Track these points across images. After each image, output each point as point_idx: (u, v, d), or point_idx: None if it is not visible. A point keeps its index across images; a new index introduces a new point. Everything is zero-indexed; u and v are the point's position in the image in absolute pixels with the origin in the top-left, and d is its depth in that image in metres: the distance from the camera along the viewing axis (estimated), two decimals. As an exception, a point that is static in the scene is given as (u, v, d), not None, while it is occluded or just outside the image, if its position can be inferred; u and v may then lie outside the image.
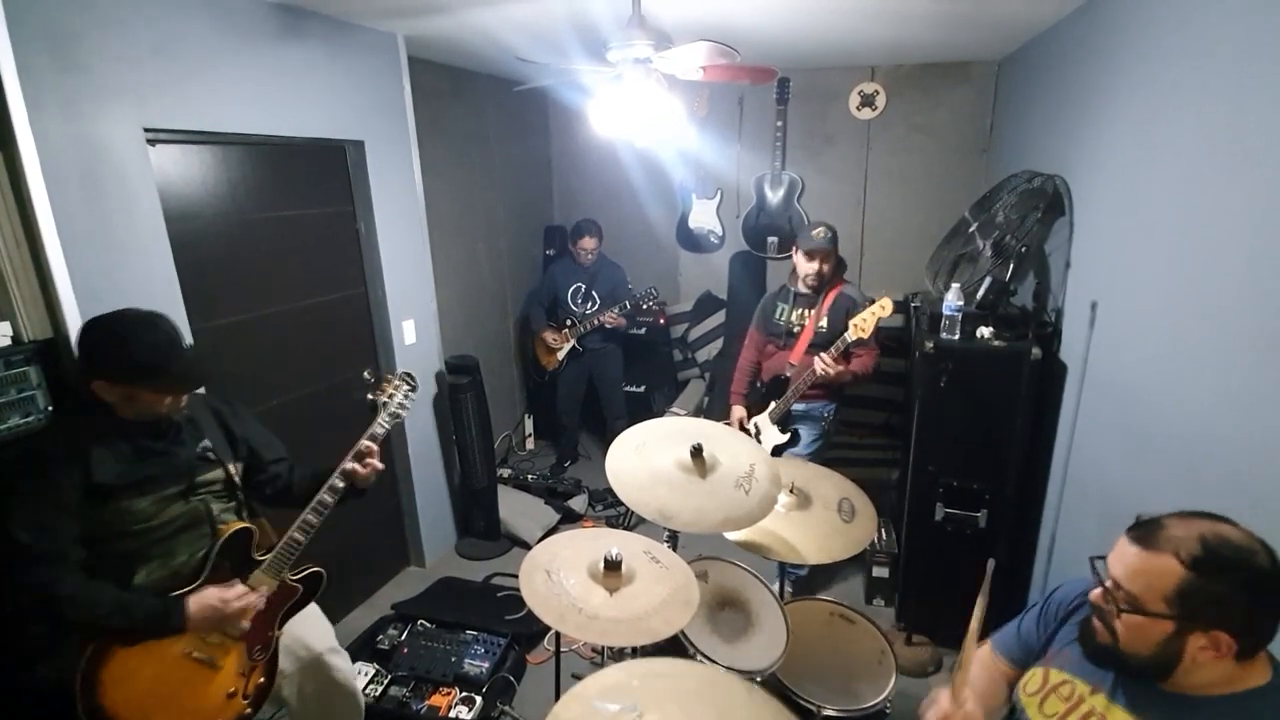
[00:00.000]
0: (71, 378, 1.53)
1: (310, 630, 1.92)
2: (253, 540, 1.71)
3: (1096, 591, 1.08)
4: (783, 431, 2.94)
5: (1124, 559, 1.03)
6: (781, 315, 2.99)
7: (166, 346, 1.50)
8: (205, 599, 1.58)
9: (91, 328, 1.50)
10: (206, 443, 1.69)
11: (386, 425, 1.85)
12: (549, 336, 4.10)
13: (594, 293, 4.06)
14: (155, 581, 1.58)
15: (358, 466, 1.77)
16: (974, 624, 1.33)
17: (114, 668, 1.49)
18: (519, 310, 4.58)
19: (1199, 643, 0.97)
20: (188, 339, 1.67)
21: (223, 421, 1.77)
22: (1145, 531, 1.02)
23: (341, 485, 1.76)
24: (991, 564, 1.47)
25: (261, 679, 1.73)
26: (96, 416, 1.51)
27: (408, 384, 1.92)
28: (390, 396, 1.88)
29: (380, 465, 1.81)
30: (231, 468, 1.73)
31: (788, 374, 2.89)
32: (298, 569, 1.78)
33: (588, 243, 3.97)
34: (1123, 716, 1.09)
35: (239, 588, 1.65)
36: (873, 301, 2.64)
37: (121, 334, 1.47)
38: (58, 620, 1.44)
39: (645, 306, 4.01)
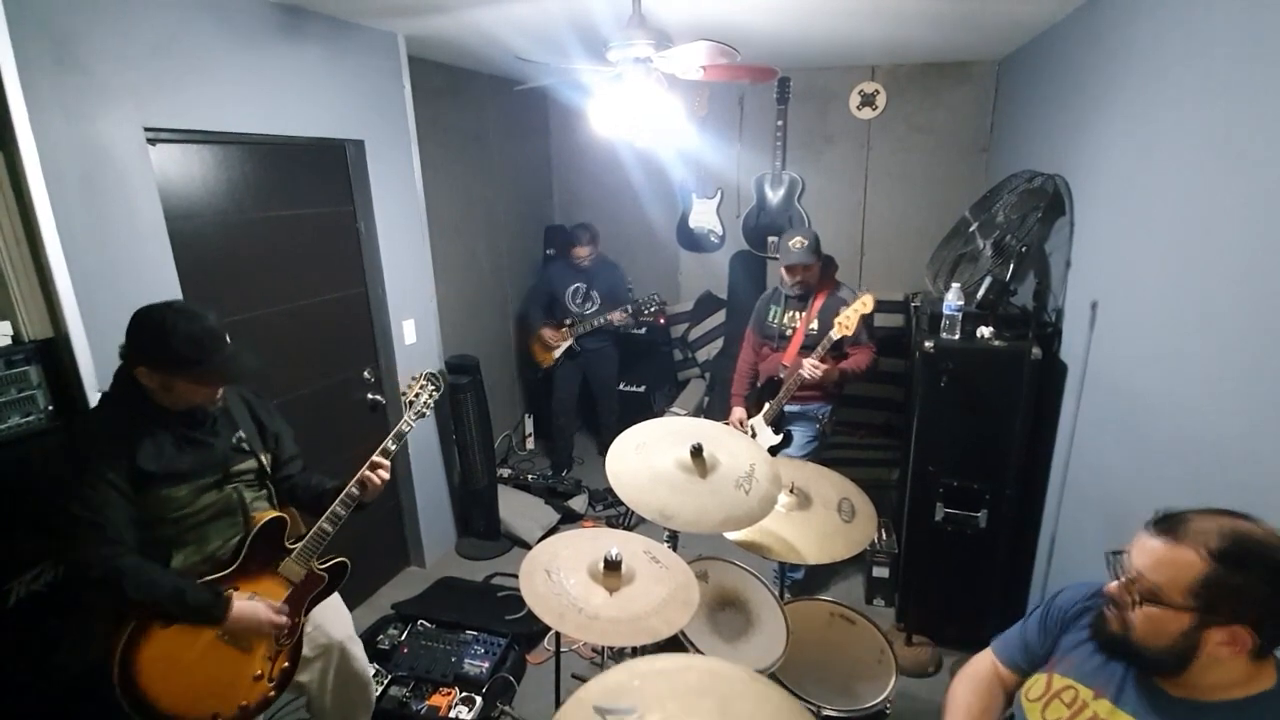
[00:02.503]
0: (120, 365, 1.59)
1: (331, 618, 1.97)
2: (285, 529, 1.76)
3: (1114, 584, 1.08)
4: (776, 432, 2.94)
5: (1147, 551, 1.03)
6: (774, 317, 3.01)
7: (207, 339, 1.54)
8: (254, 609, 1.63)
9: (139, 315, 1.54)
10: (241, 433, 1.74)
11: (413, 423, 1.89)
12: (547, 334, 4.11)
13: (593, 293, 4.08)
14: (190, 566, 1.64)
15: (371, 475, 1.79)
16: None
17: (151, 645, 1.55)
18: (517, 308, 4.59)
19: (1218, 637, 0.97)
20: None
21: (254, 413, 1.82)
22: (1169, 525, 1.02)
23: (371, 474, 1.79)
24: None
25: (286, 664, 1.77)
26: (139, 405, 1.56)
27: (433, 383, 1.96)
28: (416, 395, 1.92)
29: (387, 476, 1.83)
30: (263, 458, 1.78)
31: (781, 375, 2.90)
32: (323, 559, 1.83)
33: (581, 251, 3.97)
34: None
35: (286, 611, 1.70)
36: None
37: (165, 324, 1.51)
38: (118, 596, 1.48)
39: (648, 311, 4.03)
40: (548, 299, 4.18)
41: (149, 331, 1.51)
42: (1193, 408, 1.61)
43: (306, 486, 1.89)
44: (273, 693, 1.74)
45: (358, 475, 1.79)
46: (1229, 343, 1.48)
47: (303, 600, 1.79)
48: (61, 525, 1.49)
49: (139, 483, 1.53)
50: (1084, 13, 2.42)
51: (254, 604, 1.64)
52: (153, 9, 1.97)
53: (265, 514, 1.74)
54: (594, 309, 4.07)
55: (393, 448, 1.85)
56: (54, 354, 1.80)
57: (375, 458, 1.81)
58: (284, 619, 1.69)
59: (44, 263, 1.75)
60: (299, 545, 1.77)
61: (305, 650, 1.86)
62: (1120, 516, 1.94)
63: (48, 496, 1.53)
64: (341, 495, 1.77)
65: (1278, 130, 1.35)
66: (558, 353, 4.12)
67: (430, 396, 1.93)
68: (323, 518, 1.77)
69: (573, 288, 4.08)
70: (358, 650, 2.05)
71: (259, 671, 1.71)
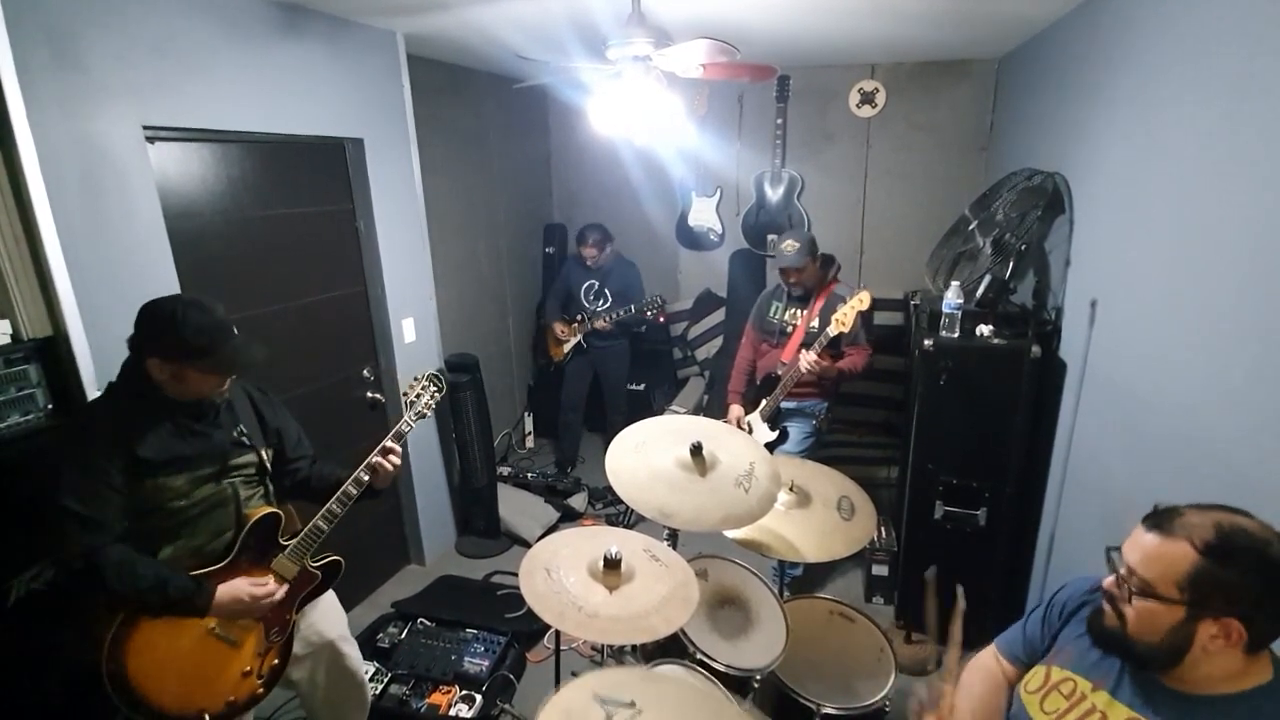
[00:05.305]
0: (128, 356, 1.59)
1: (324, 617, 1.97)
2: (280, 525, 1.77)
3: (1110, 579, 1.09)
4: (773, 429, 2.95)
5: (1139, 545, 1.04)
6: (775, 314, 3.01)
7: (216, 329, 1.55)
8: (235, 589, 1.63)
9: (150, 307, 1.55)
10: (242, 427, 1.74)
11: (413, 423, 1.90)
12: (558, 328, 4.19)
13: (606, 290, 4.09)
14: (178, 559, 1.63)
15: (383, 461, 1.80)
16: (955, 632, 1.39)
17: (140, 638, 1.56)
18: (538, 299, 4.75)
19: (1210, 630, 0.98)
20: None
21: (257, 408, 1.82)
22: (1161, 519, 1.03)
23: (366, 479, 1.80)
24: (932, 570, 1.50)
25: (276, 660, 1.77)
26: (144, 395, 1.56)
27: (435, 384, 1.96)
28: (418, 396, 1.93)
29: (399, 461, 1.84)
30: (264, 453, 1.78)
31: (779, 372, 2.91)
32: (318, 556, 1.83)
33: (588, 250, 4.01)
34: (1124, 713, 1.09)
35: (269, 584, 1.70)
36: None
37: (176, 315, 1.52)
38: (100, 587, 1.48)
39: (650, 314, 4.04)
40: (564, 294, 4.25)
41: (161, 322, 1.52)
42: (1192, 406, 1.61)
43: (320, 476, 1.90)
44: (261, 690, 1.74)
45: (368, 459, 1.79)
46: (1229, 341, 1.48)
47: (295, 597, 1.79)
48: (50, 516, 1.48)
49: (137, 471, 1.53)
50: (1084, 11, 2.42)
51: (234, 584, 1.64)
52: (151, 8, 1.97)
53: (260, 509, 1.74)
54: (605, 306, 4.09)
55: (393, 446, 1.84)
56: (53, 352, 1.80)
57: (387, 442, 1.82)
58: (266, 589, 1.68)
59: (43, 261, 1.75)
60: (293, 542, 1.76)
61: (296, 648, 1.86)
62: (1119, 514, 1.93)
63: (39, 488, 1.52)
64: (338, 494, 1.77)
65: (1278, 130, 1.35)
66: (567, 347, 4.19)
67: (431, 398, 1.94)
68: (318, 515, 1.77)
69: (585, 285, 4.12)
70: (350, 649, 2.04)
71: (248, 668, 1.71)
